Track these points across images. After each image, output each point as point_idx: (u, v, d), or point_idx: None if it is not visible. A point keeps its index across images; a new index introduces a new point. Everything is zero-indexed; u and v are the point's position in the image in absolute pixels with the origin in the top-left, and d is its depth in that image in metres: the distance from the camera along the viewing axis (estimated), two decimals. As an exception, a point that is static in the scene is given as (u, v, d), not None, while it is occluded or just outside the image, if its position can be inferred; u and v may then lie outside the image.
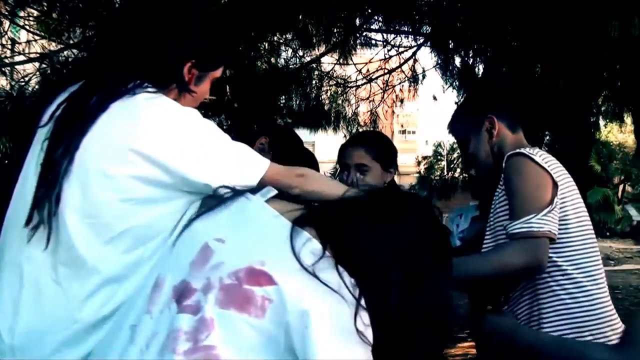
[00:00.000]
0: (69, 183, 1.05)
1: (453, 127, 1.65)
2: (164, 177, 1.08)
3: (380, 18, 5.37)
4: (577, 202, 1.48)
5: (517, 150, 1.42)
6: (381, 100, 6.82)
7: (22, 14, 4.08)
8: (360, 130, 7.19)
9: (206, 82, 1.28)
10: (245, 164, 1.17)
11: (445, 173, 7.72)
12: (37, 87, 3.91)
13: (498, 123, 1.52)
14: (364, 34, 5.85)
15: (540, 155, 1.43)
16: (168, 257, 0.98)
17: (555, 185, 1.41)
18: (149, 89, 1.12)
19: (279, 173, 1.22)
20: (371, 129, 7.05)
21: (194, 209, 1.11)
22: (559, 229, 1.41)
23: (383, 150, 1.82)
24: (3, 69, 3.84)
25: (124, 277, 1.08)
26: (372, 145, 1.80)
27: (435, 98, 6.72)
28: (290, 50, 5.69)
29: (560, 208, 1.42)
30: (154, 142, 1.06)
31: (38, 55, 4.09)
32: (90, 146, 1.06)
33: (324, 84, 6.21)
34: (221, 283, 0.85)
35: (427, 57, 6.22)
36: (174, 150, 1.08)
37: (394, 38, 5.97)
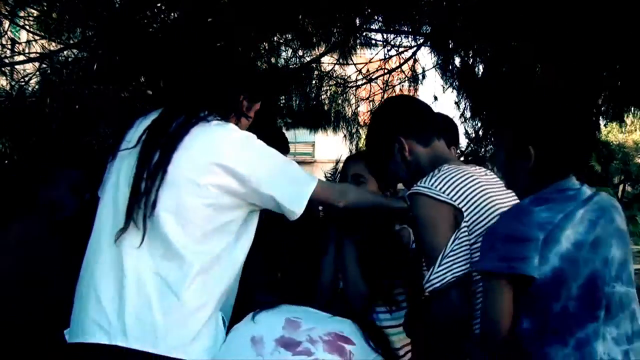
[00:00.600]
0: (164, 191, 1.29)
1: (368, 142, 1.70)
2: (239, 187, 1.34)
3: (380, 18, 5.36)
4: (495, 208, 1.44)
5: (413, 189, 1.42)
6: (381, 101, 6.82)
7: (22, 14, 4.08)
8: (360, 130, 7.20)
9: (253, 111, 1.60)
10: (300, 181, 1.44)
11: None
12: (37, 87, 3.91)
13: (407, 142, 1.54)
14: (364, 34, 5.85)
15: (440, 181, 1.40)
16: (251, 324, 1.33)
17: (457, 211, 1.38)
18: (217, 118, 1.42)
19: (325, 189, 1.51)
20: (371, 129, 7.05)
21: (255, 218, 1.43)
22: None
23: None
24: (3, 69, 3.84)
25: (210, 268, 1.33)
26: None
27: (435, 98, 6.72)
28: (290, 50, 5.69)
29: (473, 230, 1.39)
30: (232, 158, 1.34)
31: (38, 55, 4.09)
32: (180, 161, 1.31)
33: (324, 84, 6.20)
34: (322, 338, 1.27)
35: (427, 57, 6.23)
36: (249, 165, 1.36)
37: (394, 38, 5.97)
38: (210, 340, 1.31)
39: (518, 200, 1.45)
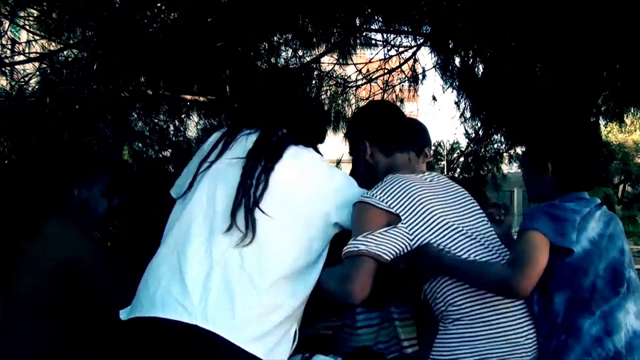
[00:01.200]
0: (266, 199, 1.45)
1: (346, 138, 1.96)
2: (329, 205, 1.53)
3: (380, 18, 5.36)
4: (436, 219, 1.58)
5: (360, 198, 1.57)
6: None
7: (22, 14, 4.08)
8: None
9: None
10: None
11: (445, 173, 7.72)
12: (37, 87, 3.91)
13: (370, 148, 1.73)
14: (364, 34, 5.85)
15: (381, 191, 1.57)
16: None
17: (395, 217, 1.54)
18: (300, 144, 1.62)
19: None
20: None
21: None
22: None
23: None
24: (3, 69, 3.84)
25: (291, 277, 1.45)
26: None
27: (435, 98, 6.72)
28: (290, 50, 5.69)
29: (413, 231, 1.54)
30: (325, 177, 1.56)
31: (38, 55, 4.09)
32: (281, 173, 1.49)
33: (324, 84, 6.20)
34: None
35: (427, 57, 6.22)
36: (342, 192, 1.58)
37: (394, 38, 5.96)
38: (277, 343, 1.40)
39: (467, 203, 1.65)
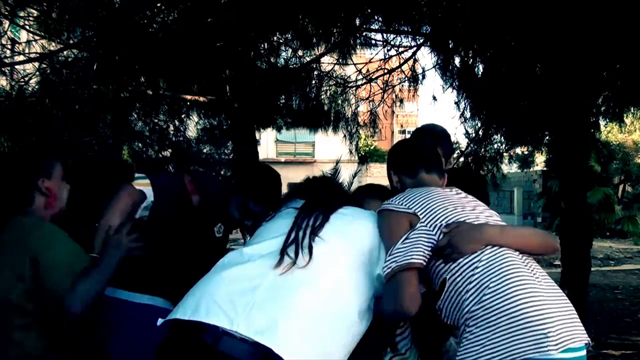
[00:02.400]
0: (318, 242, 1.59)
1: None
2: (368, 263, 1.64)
3: (380, 18, 5.36)
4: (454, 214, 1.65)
5: (380, 207, 1.71)
6: (381, 101, 6.82)
7: (22, 14, 4.08)
8: (360, 130, 7.20)
9: None
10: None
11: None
12: (37, 87, 3.92)
13: (398, 176, 1.89)
14: (364, 34, 5.85)
15: (400, 198, 1.70)
16: None
17: (413, 216, 1.63)
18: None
19: None
20: (371, 129, 7.06)
21: None
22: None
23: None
24: (3, 69, 3.84)
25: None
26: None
27: (435, 98, 6.72)
28: (290, 50, 5.69)
29: (432, 226, 1.61)
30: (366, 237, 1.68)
31: (38, 55, 4.09)
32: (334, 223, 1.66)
33: (324, 84, 6.20)
34: None
35: (427, 57, 6.23)
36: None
37: (394, 38, 5.96)
38: None
39: (481, 210, 1.72)
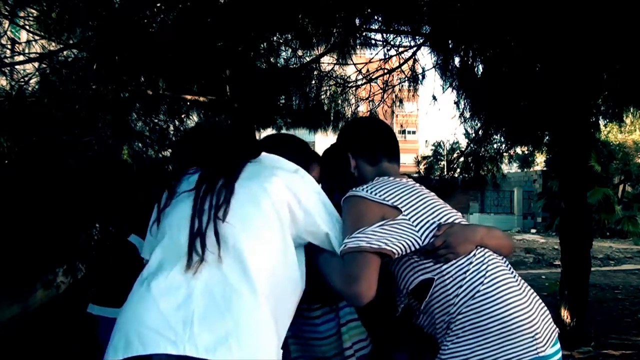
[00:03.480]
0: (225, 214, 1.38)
1: (328, 155, 1.95)
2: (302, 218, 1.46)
3: (380, 18, 5.36)
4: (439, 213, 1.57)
5: (349, 192, 1.56)
6: (381, 100, 6.82)
7: (22, 14, 4.08)
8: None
9: None
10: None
11: (445, 173, 7.71)
12: (37, 87, 3.91)
13: (356, 160, 1.74)
14: (364, 34, 5.85)
15: (373, 187, 1.56)
16: None
17: (391, 209, 1.51)
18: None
19: None
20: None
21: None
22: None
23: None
24: (3, 69, 3.84)
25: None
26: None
27: (435, 98, 6.72)
28: (290, 50, 5.69)
29: (417, 223, 1.52)
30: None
31: (38, 55, 4.09)
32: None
33: (324, 84, 6.20)
34: None
35: (427, 58, 6.23)
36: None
37: (393, 38, 5.96)
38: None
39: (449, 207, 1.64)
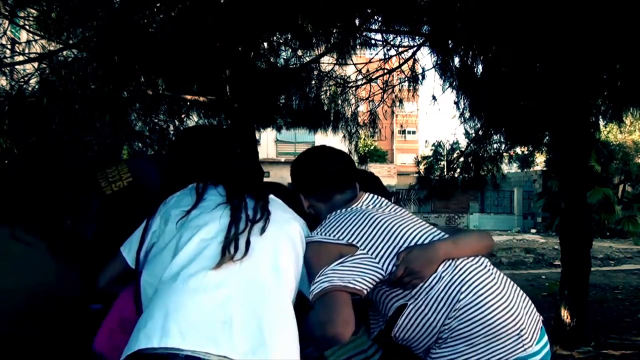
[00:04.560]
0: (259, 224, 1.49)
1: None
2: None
3: (379, 18, 5.36)
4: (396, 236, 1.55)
5: (307, 239, 1.57)
6: (381, 101, 6.82)
7: (22, 14, 4.08)
8: (360, 130, 7.20)
9: None
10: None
11: (445, 173, 7.71)
12: (36, 87, 3.91)
13: (308, 200, 1.75)
14: (364, 34, 5.85)
15: (327, 228, 1.57)
16: None
17: (347, 247, 1.52)
18: None
19: None
20: (371, 129, 7.06)
21: None
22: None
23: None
24: (3, 69, 3.84)
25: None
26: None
27: (434, 98, 6.72)
28: (290, 50, 5.69)
29: (374, 253, 1.51)
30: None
31: (37, 55, 4.09)
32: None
33: (324, 84, 6.21)
34: None
35: (427, 58, 6.23)
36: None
37: (393, 38, 5.97)
38: None
39: (409, 216, 1.65)
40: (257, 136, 6.03)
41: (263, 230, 1.44)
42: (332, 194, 1.71)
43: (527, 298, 1.56)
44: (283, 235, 1.49)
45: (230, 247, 1.36)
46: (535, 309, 1.56)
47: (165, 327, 1.19)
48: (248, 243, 1.38)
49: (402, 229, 1.57)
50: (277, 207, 1.58)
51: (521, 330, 1.46)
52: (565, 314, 4.97)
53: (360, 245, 1.51)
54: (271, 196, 1.60)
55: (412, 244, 1.54)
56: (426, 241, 1.56)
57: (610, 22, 4.02)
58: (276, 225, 1.49)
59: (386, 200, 1.73)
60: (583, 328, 5.00)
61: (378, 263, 1.49)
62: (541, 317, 1.56)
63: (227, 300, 1.26)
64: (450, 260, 1.52)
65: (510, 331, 1.45)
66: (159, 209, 1.57)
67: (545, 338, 1.54)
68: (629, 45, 4.31)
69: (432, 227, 1.66)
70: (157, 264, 1.42)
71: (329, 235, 1.54)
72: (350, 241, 1.52)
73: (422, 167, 8.49)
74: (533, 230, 20.26)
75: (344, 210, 1.63)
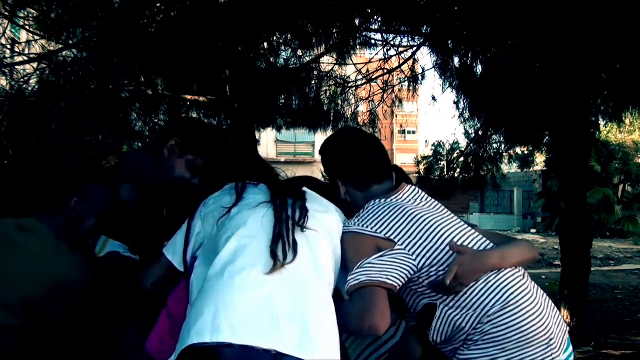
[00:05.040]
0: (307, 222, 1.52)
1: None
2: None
3: (379, 18, 5.36)
4: (434, 236, 1.55)
5: (344, 228, 1.58)
6: (381, 101, 6.82)
7: (21, 14, 4.08)
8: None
9: None
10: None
11: (445, 173, 7.71)
12: (36, 87, 3.91)
13: (346, 187, 1.73)
14: (364, 34, 5.85)
15: (364, 219, 1.57)
16: None
17: (384, 240, 1.53)
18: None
19: None
20: (371, 129, 7.06)
21: None
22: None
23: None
24: (3, 69, 3.84)
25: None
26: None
27: (434, 98, 6.72)
28: (290, 50, 5.69)
29: (411, 250, 1.52)
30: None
31: (37, 55, 4.09)
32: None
33: (324, 84, 6.21)
34: None
35: (427, 58, 6.24)
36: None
37: (393, 38, 5.97)
38: None
39: (445, 211, 1.65)
40: (257, 136, 6.03)
41: (303, 227, 1.46)
42: (371, 184, 1.70)
43: (556, 308, 1.57)
44: (322, 229, 1.51)
45: (278, 251, 1.37)
46: (562, 319, 1.57)
47: (215, 323, 1.22)
48: (295, 244, 1.41)
49: (440, 227, 1.57)
50: (314, 200, 1.60)
51: (551, 339, 1.47)
52: (565, 314, 4.98)
53: (398, 241, 1.52)
54: (306, 190, 1.63)
55: (450, 242, 1.54)
56: (465, 243, 1.56)
57: (610, 23, 4.02)
58: (314, 221, 1.51)
59: (427, 195, 1.72)
60: (583, 328, 5.00)
61: (415, 260, 1.51)
62: (568, 328, 1.57)
63: (272, 295, 1.29)
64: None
65: (542, 339, 1.46)
66: (199, 209, 1.59)
67: (571, 349, 1.55)
68: (628, 45, 4.31)
69: (470, 228, 1.65)
70: (207, 263, 1.44)
71: (367, 227, 1.55)
72: (388, 236, 1.53)
73: (422, 167, 8.49)
74: (533, 230, 20.26)
75: (382, 201, 1.62)
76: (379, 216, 1.57)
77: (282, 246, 1.39)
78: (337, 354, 1.29)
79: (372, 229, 1.54)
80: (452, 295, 1.49)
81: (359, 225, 1.56)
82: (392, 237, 1.52)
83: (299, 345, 1.22)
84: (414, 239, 1.53)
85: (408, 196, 1.66)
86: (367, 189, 1.70)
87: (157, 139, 1.84)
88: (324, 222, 1.54)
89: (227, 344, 1.19)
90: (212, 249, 1.46)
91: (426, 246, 1.52)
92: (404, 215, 1.57)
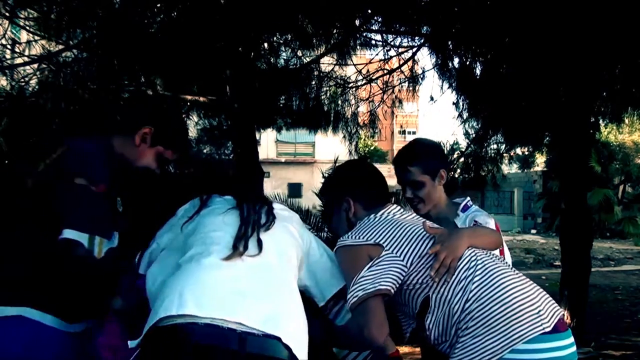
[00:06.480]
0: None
1: (323, 195, 2.09)
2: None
3: (379, 19, 5.36)
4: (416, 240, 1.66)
5: (338, 244, 1.71)
6: (381, 101, 6.82)
7: (22, 14, 4.08)
8: (360, 130, 7.19)
9: None
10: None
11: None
12: (37, 87, 3.92)
13: (354, 204, 1.83)
14: (364, 34, 5.85)
15: (355, 231, 1.71)
16: None
17: (374, 247, 1.65)
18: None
19: None
20: (371, 129, 7.06)
21: None
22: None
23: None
24: (3, 70, 3.85)
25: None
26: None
27: (432, 98, 6.72)
28: (290, 51, 5.69)
29: (398, 252, 1.63)
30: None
31: (37, 56, 4.09)
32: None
33: (324, 85, 6.20)
34: None
35: (427, 58, 6.25)
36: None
37: (393, 39, 5.96)
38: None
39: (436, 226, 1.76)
40: (257, 136, 6.03)
41: (268, 228, 1.59)
42: (376, 203, 1.82)
43: (545, 292, 1.61)
44: (284, 229, 1.65)
45: (240, 245, 1.46)
46: (553, 301, 1.60)
47: (181, 298, 1.27)
48: (260, 242, 1.51)
49: (424, 232, 1.69)
50: (280, 208, 1.76)
51: (539, 311, 1.50)
52: (565, 315, 4.98)
53: (386, 245, 1.63)
54: (277, 205, 1.77)
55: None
56: None
57: (610, 24, 4.03)
58: (280, 224, 1.65)
59: (411, 212, 1.88)
60: (583, 328, 5.00)
61: (402, 261, 1.61)
62: (561, 310, 1.59)
63: (239, 277, 1.37)
64: (470, 252, 1.62)
65: (528, 309, 1.49)
66: (169, 221, 1.70)
67: (572, 339, 1.56)
68: (628, 46, 4.31)
69: None
70: (168, 260, 1.55)
71: (357, 238, 1.68)
72: (376, 241, 1.65)
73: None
74: (533, 231, 20.25)
75: (372, 216, 1.76)
76: (368, 227, 1.71)
77: (244, 242, 1.48)
78: (303, 335, 1.35)
79: (362, 238, 1.68)
80: (443, 281, 1.57)
81: (351, 238, 1.69)
82: (380, 242, 1.65)
83: (264, 321, 1.27)
84: (399, 241, 1.65)
85: (395, 212, 1.79)
86: (372, 206, 1.81)
87: (130, 122, 1.76)
88: (287, 224, 1.68)
89: (193, 319, 1.24)
90: (178, 248, 1.57)
91: (411, 245, 1.64)
92: (389, 223, 1.71)
